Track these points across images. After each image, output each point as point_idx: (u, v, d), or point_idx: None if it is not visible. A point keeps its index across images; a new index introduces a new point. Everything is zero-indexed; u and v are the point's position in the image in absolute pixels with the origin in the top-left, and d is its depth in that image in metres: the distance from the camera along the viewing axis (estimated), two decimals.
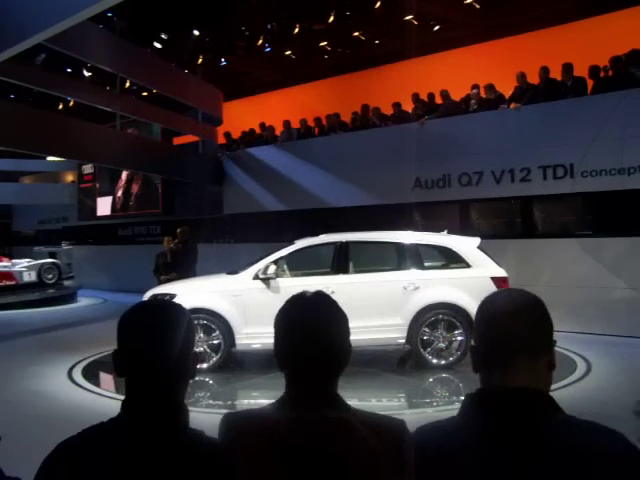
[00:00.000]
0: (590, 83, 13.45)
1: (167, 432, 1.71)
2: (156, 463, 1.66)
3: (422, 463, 1.64)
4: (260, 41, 21.35)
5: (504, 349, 1.67)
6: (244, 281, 10.23)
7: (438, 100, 15.98)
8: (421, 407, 8.34)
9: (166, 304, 1.88)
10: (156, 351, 1.75)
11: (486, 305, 1.75)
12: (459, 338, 9.89)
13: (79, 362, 11.11)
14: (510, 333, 1.66)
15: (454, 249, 10.28)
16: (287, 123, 19.42)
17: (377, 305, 9.86)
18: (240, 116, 23.01)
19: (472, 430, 1.61)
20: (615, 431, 1.58)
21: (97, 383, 9.84)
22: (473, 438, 1.59)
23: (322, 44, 21.50)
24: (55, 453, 1.74)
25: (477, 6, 17.91)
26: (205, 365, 9.82)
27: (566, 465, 1.51)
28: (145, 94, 23.86)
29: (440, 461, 1.61)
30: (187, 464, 1.68)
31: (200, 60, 22.69)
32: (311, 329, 1.84)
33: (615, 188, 12.33)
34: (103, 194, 24.90)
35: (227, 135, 21.68)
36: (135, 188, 23.44)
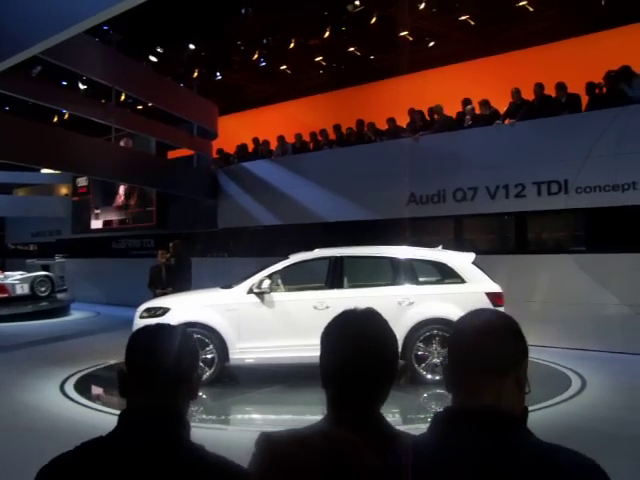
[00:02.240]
0: (585, 100, 13.50)
1: (166, 445, 1.71)
2: (154, 476, 1.66)
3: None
4: (256, 55, 21.42)
5: (468, 368, 1.66)
6: (238, 295, 10.20)
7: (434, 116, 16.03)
8: (415, 423, 8.31)
9: (173, 329, 1.93)
10: (160, 370, 1.78)
11: (456, 325, 1.74)
12: None
13: (71, 375, 11.03)
14: (472, 352, 1.65)
15: (449, 264, 10.28)
16: (281, 138, 19.43)
17: None
18: (235, 130, 23.01)
19: (438, 448, 1.58)
20: (586, 457, 1.54)
21: (89, 397, 9.78)
22: (439, 456, 1.57)
23: (317, 59, 21.57)
24: (51, 465, 1.74)
25: (472, 22, 17.99)
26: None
27: None
28: (140, 107, 23.89)
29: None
30: (186, 478, 1.68)
31: (195, 74, 22.73)
32: (362, 346, 1.81)
33: (609, 204, 12.34)
34: (97, 207, 24.88)
35: (220, 152, 21.68)
36: (129, 201, 23.42)
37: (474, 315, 1.74)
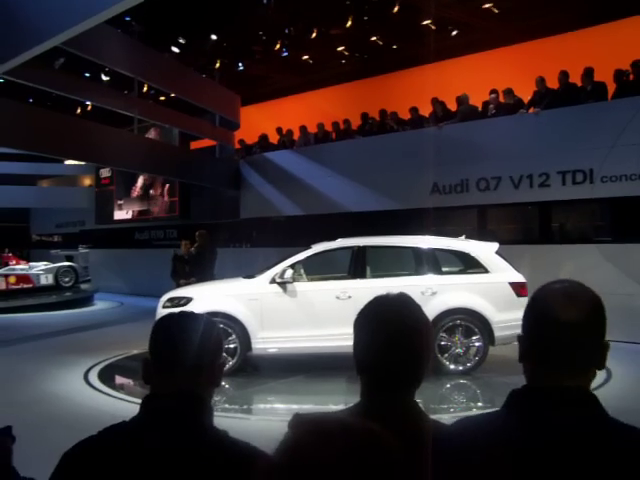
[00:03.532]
0: (611, 88, 13.34)
1: (189, 429, 1.72)
2: (178, 461, 1.66)
3: (459, 457, 1.57)
4: (277, 46, 21.32)
5: (558, 349, 1.58)
6: (261, 285, 10.20)
7: (455, 106, 15.90)
8: (438, 413, 8.26)
9: (196, 316, 1.93)
10: (183, 357, 1.80)
11: (540, 300, 1.65)
12: (477, 344, 9.80)
13: (95, 365, 11.12)
14: (566, 334, 1.57)
15: (472, 254, 10.20)
16: (303, 128, 19.42)
17: None
18: (256, 121, 23.01)
19: (513, 428, 1.55)
20: None
21: (113, 386, 9.85)
22: (514, 436, 1.53)
23: (339, 49, 21.45)
24: (74, 449, 1.75)
25: (495, 11, 17.80)
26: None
27: (612, 468, 1.45)
28: (163, 98, 23.94)
29: (479, 456, 1.54)
30: (209, 462, 1.68)
31: (218, 64, 22.71)
32: (398, 331, 1.79)
33: (635, 194, 12.20)
34: (120, 198, 25.01)
35: (241, 142, 21.69)
36: (152, 192, 23.51)
37: (560, 291, 1.64)
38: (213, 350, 1.90)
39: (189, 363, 1.79)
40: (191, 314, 1.94)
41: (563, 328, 1.57)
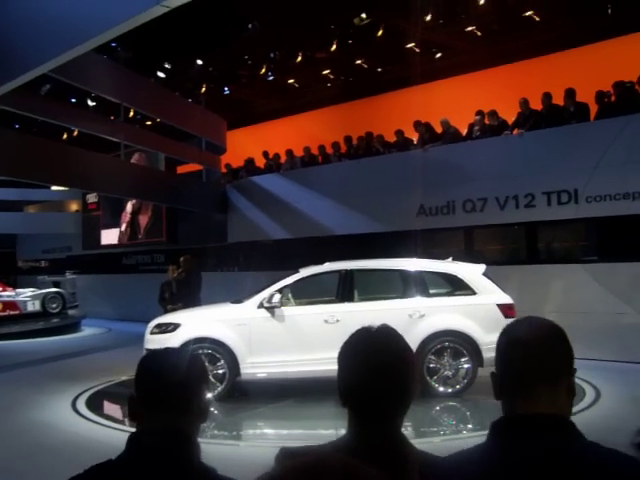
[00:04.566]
0: (594, 108, 13.46)
1: (175, 467, 1.71)
2: None
3: None
4: (263, 70, 21.44)
5: (524, 378, 1.69)
6: (249, 310, 10.17)
7: (440, 129, 15.97)
8: (428, 436, 8.25)
9: (180, 353, 1.97)
10: (169, 395, 1.81)
11: (506, 333, 1.78)
12: (465, 366, 9.80)
13: (83, 392, 11.02)
14: (530, 362, 1.69)
15: (459, 276, 10.23)
16: (290, 152, 19.45)
17: None
18: (242, 145, 23.06)
19: (496, 457, 1.61)
20: (638, 460, 1.59)
21: (101, 414, 9.76)
22: (497, 465, 1.60)
23: (325, 72, 21.58)
24: None
25: (479, 33, 17.99)
26: (210, 395, 9.72)
27: None
28: (149, 123, 23.97)
29: None
30: None
31: (203, 89, 22.80)
32: (381, 364, 1.79)
33: (620, 213, 12.27)
34: (107, 223, 24.95)
35: (228, 166, 21.71)
36: (139, 217, 23.47)
37: (524, 324, 1.78)
38: (198, 386, 1.90)
39: (174, 400, 1.80)
40: (175, 350, 1.96)
41: (529, 361, 1.69)
